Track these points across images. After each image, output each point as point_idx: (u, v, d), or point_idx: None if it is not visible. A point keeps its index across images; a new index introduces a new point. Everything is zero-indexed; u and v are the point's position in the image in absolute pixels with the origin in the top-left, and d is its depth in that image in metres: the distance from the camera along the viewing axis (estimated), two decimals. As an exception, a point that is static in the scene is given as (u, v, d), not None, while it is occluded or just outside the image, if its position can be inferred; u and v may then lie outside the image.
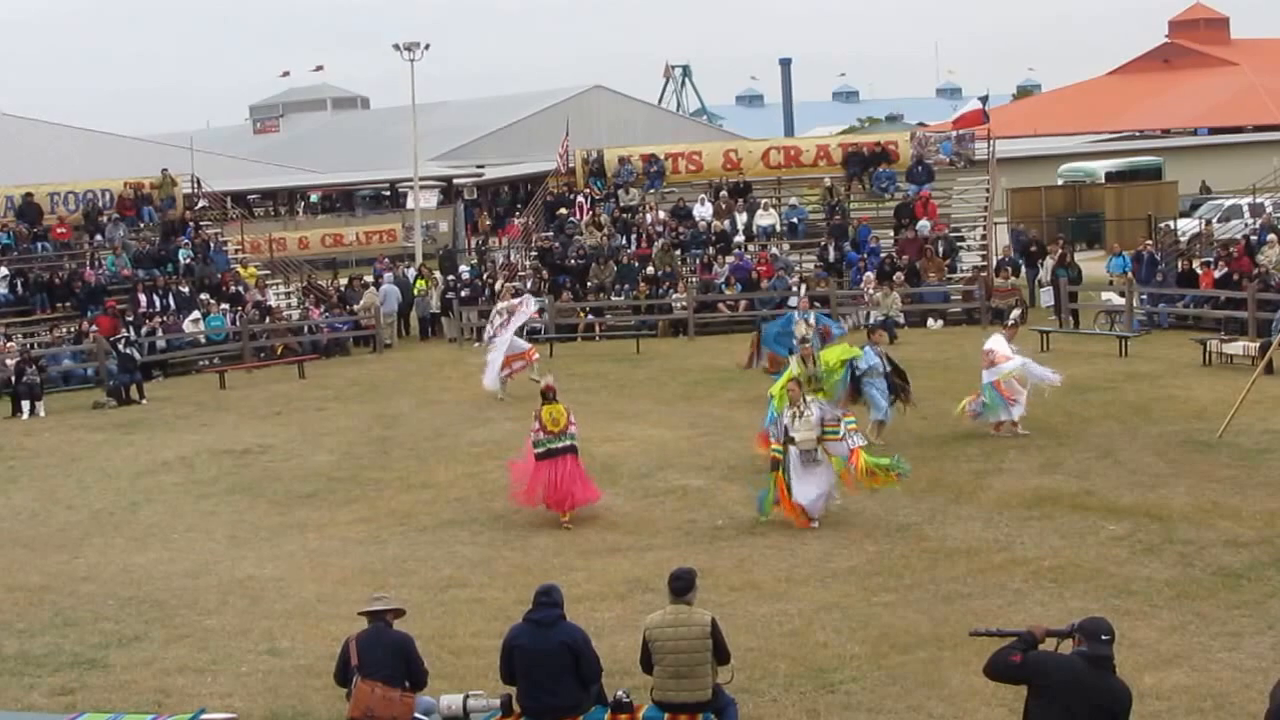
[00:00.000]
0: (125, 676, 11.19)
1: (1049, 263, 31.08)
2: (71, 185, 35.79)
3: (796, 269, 33.10)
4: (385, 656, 8.94)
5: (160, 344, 29.98)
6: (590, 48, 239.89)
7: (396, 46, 44.48)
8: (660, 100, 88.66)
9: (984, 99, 36.63)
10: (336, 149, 71.27)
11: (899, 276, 30.78)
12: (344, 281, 36.41)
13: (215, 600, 13.19)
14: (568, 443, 15.13)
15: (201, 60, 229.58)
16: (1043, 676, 7.01)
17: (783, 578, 12.94)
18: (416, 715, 9.03)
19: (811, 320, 21.62)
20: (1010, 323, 20.20)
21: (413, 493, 17.06)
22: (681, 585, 8.65)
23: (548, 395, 15.39)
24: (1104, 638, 7.03)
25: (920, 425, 18.75)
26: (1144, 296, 28.35)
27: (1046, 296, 30.71)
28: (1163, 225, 35.52)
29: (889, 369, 18.44)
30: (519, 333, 24.57)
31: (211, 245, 34.96)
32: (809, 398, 14.96)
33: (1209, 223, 35.61)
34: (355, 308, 33.03)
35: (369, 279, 35.08)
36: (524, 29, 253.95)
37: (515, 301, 25.59)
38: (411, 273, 35.17)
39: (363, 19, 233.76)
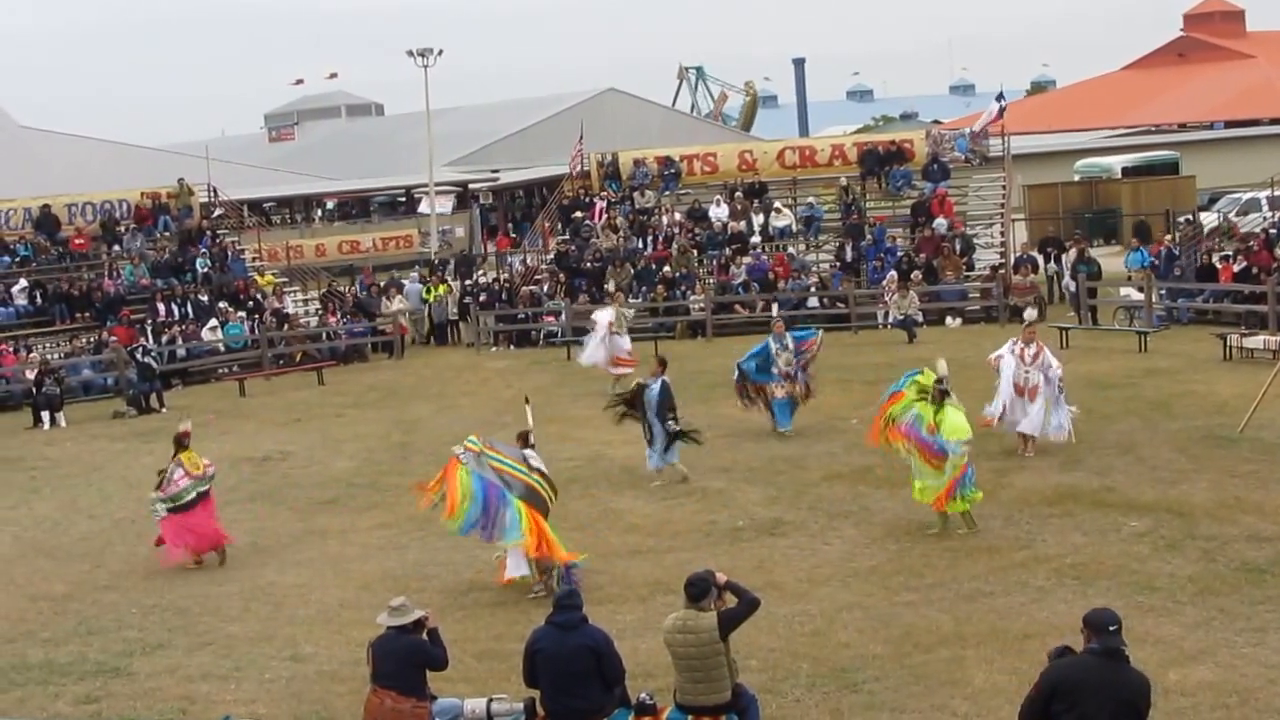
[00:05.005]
0: (149, 684, 11.25)
1: (1068, 258, 30.92)
2: (89, 196, 35.94)
3: (813, 269, 33.08)
4: (397, 666, 8.95)
5: (180, 352, 30.13)
6: (603, 51, 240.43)
7: (410, 53, 44.65)
8: (674, 102, 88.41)
9: (1000, 97, 36.51)
10: (351, 156, 71.28)
11: (916, 275, 30.72)
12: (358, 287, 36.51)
13: (238, 607, 13.25)
14: (207, 486, 14.94)
15: (216, 69, 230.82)
16: (1063, 683, 6.97)
17: (804, 578, 12.92)
18: None
19: (789, 344, 19.68)
20: (1025, 323, 19.48)
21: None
22: (697, 591, 8.62)
23: (183, 442, 15.03)
24: (1111, 628, 6.96)
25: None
26: (1163, 291, 28.21)
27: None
28: (1183, 219, 35.32)
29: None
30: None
31: (229, 254, 35.13)
32: (530, 450, 13.32)
33: (1226, 217, 35.39)
34: (381, 311, 33.09)
35: (404, 281, 35.35)
36: (536, 33, 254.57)
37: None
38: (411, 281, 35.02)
39: (375, 26, 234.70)
